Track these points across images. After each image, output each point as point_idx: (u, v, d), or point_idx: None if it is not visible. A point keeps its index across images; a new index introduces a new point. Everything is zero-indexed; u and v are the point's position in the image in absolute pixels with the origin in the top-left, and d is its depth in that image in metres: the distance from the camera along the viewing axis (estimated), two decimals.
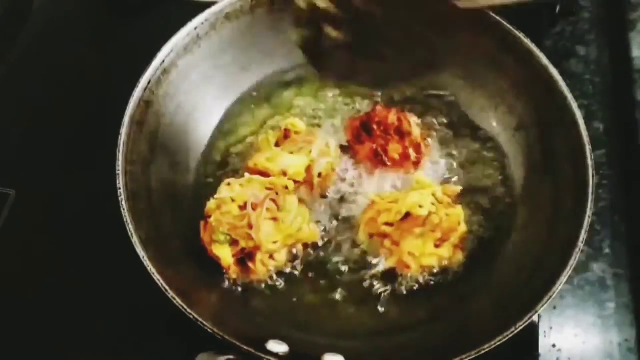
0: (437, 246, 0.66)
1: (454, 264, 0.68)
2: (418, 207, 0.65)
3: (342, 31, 0.61)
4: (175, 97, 0.72)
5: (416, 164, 0.73)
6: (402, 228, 0.66)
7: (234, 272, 0.65)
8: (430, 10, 0.61)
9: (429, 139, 0.76)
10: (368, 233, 0.68)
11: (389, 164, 0.72)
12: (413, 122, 0.74)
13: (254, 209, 0.63)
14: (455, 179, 0.74)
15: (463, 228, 0.67)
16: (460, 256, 0.67)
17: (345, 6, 0.60)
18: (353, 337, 0.65)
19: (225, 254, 0.63)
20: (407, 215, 0.65)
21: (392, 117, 0.73)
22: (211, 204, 0.65)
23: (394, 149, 0.72)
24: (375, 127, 0.73)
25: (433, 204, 0.66)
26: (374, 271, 0.68)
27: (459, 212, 0.67)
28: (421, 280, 0.67)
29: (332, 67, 0.64)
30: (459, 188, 0.70)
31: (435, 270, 0.67)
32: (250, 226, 0.62)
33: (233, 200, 0.64)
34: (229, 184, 0.66)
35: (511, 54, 0.73)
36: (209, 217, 0.64)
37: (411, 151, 0.72)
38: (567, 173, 0.67)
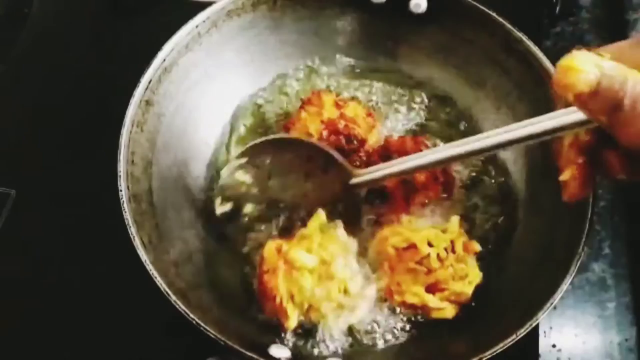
0: (428, 291, 0.62)
1: (438, 315, 0.63)
2: (425, 243, 0.62)
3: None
4: (176, 96, 0.72)
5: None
6: (401, 256, 0.64)
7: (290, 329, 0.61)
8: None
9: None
10: (377, 249, 0.67)
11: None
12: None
13: None
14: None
15: (468, 291, 0.63)
16: (450, 313, 0.63)
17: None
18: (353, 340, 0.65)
19: (294, 315, 0.60)
20: (412, 246, 0.63)
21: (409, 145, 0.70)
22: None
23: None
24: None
25: (446, 249, 0.63)
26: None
27: (475, 274, 0.63)
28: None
29: None
30: (478, 247, 0.65)
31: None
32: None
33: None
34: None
35: (512, 55, 0.72)
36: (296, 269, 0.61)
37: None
38: None
